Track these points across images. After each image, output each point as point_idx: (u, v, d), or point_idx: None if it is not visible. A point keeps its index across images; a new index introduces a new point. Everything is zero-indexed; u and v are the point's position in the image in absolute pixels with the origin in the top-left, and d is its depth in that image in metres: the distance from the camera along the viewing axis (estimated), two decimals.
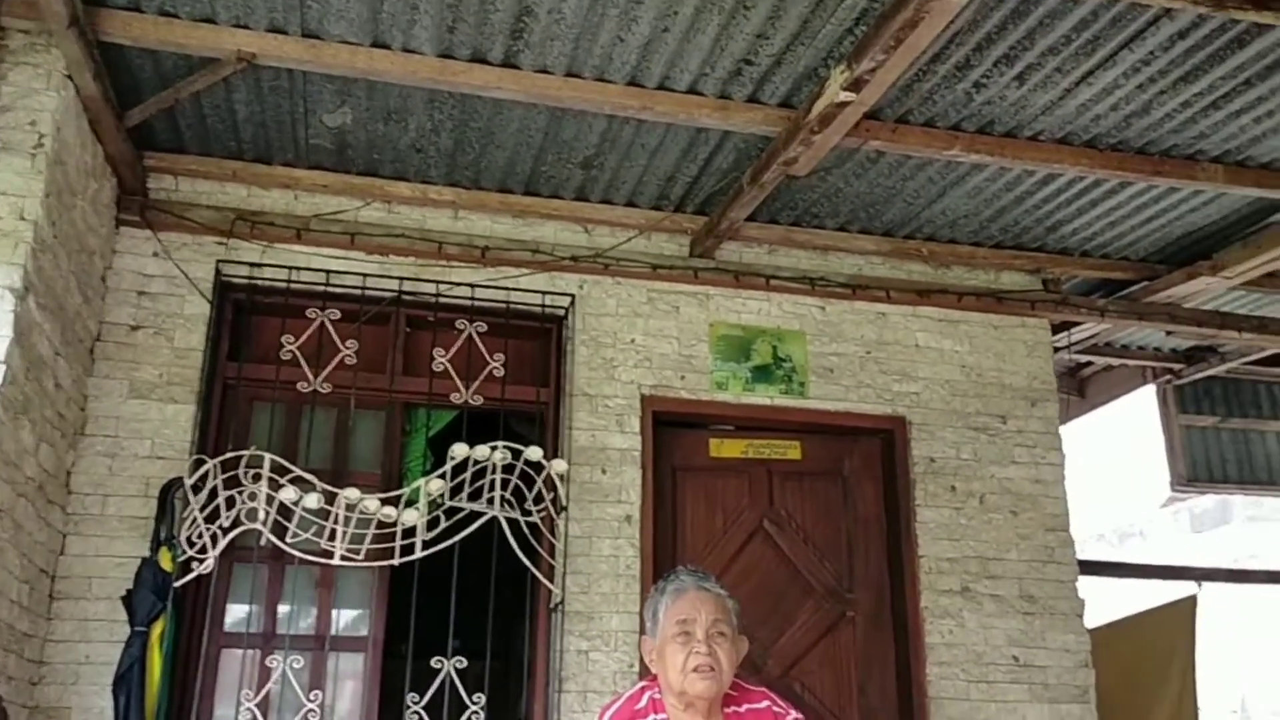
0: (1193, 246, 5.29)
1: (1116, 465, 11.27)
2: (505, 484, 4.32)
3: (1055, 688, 4.89)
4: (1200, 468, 7.25)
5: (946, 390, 5.25)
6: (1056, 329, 5.65)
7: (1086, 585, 5.16)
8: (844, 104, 3.64)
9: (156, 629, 3.99)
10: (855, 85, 3.53)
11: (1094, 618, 5.18)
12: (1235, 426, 7.37)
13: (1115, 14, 3.49)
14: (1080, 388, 7.54)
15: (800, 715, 2.51)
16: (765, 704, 2.50)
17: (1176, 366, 7.09)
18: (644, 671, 4.55)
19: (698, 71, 3.87)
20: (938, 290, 5.35)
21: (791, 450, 5.18)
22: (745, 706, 2.49)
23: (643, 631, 2.60)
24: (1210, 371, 7.03)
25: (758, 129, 4.13)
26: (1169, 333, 5.96)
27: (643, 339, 4.99)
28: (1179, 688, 6.07)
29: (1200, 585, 6.24)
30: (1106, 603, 6.18)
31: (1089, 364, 7.24)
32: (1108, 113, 4.10)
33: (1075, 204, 4.88)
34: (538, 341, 4.96)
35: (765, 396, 5.07)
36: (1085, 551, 5.31)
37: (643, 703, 2.48)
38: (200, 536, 4.04)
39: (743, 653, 2.49)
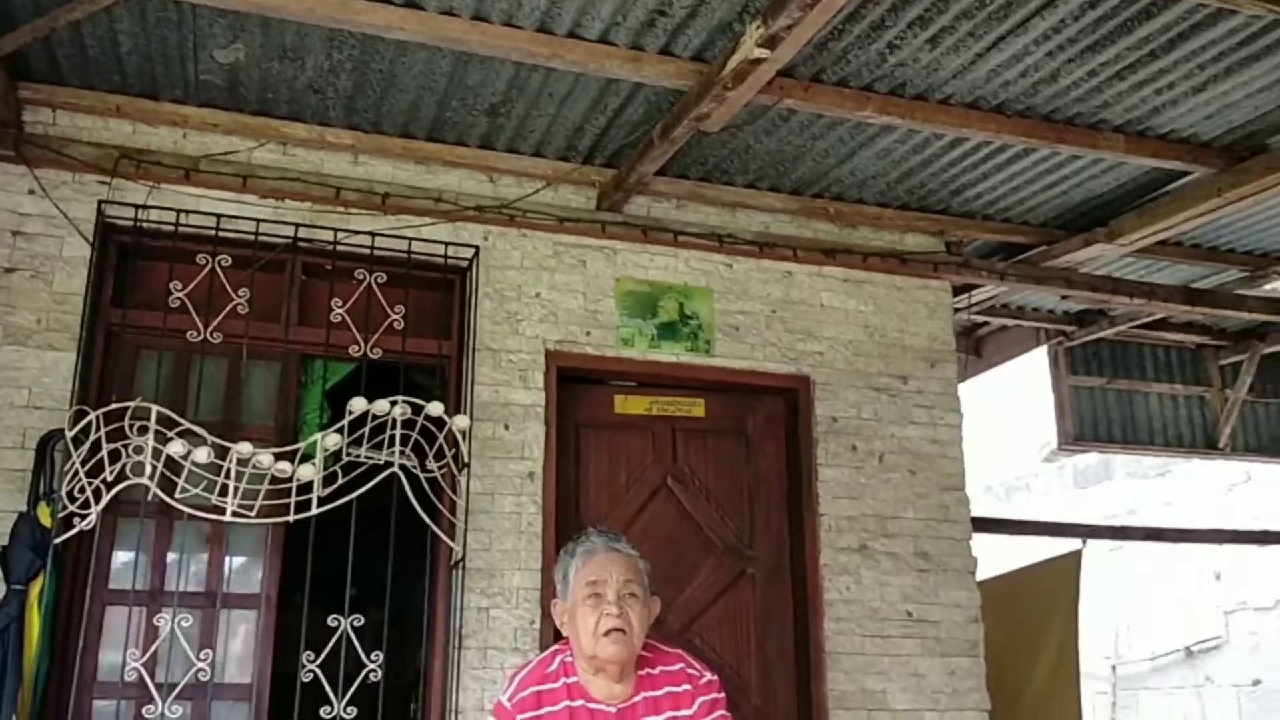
0: (1091, 213, 5.40)
1: (1005, 421, 11.62)
2: (405, 439, 4.22)
3: (947, 642, 5.02)
4: (1087, 426, 7.49)
5: (850, 350, 5.29)
6: (957, 291, 5.74)
7: (977, 540, 5.30)
8: (758, 61, 3.58)
9: (35, 587, 3.81)
10: (770, 42, 3.47)
11: (982, 570, 5.32)
12: (1121, 388, 7.62)
13: None
14: (976, 347, 7.71)
15: (716, 677, 2.49)
16: (679, 666, 2.48)
17: (1068, 329, 7.29)
18: (546, 629, 4.57)
19: (610, 20, 3.76)
20: (843, 250, 5.37)
21: (696, 408, 5.18)
22: (659, 669, 2.47)
23: (554, 595, 2.55)
24: (1100, 334, 7.25)
25: (670, 82, 4.04)
26: (1064, 296, 6.11)
27: (548, 293, 4.90)
28: (1060, 639, 6.30)
29: (1085, 542, 6.46)
30: (994, 555, 6.37)
31: (985, 324, 7.39)
32: (1016, 79, 4.12)
33: (980, 168, 4.93)
34: (440, 293, 4.83)
35: (671, 354, 5.04)
36: (975, 504, 5.43)
37: (554, 666, 2.45)
38: (82, 491, 3.85)
39: (655, 614, 2.46)
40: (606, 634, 2.34)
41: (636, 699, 2.42)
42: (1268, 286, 6.41)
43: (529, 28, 3.80)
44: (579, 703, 2.40)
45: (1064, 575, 6.41)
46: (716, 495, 5.09)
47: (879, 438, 5.22)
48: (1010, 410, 11.17)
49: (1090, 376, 7.54)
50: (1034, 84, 4.16)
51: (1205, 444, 7.77)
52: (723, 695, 2.47)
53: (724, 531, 5.05)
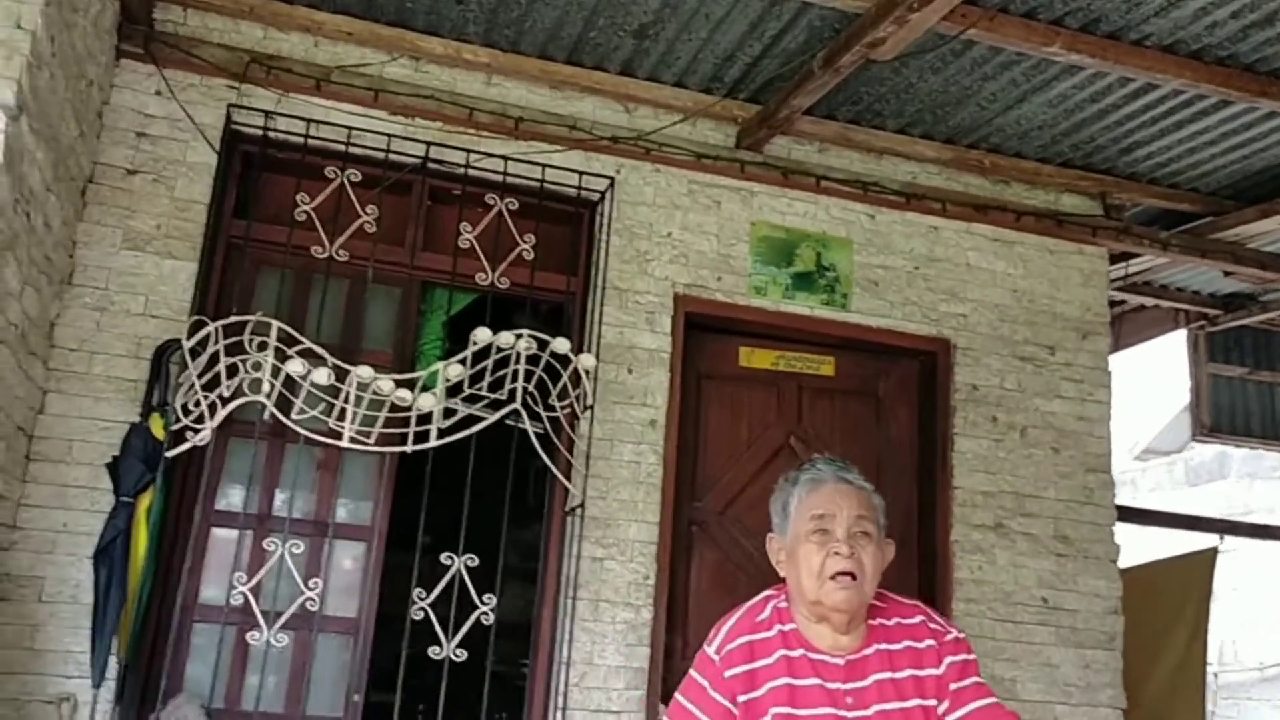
0: (1269, 183, 4.96)
1: (1121, 410, 11.08)
2: (529, 376, 3.98)
3: (1083, 632, 4.68)
4: (1224, 417, 7.03)
5: (995, 315, 4.93)
6: (1113, 259, 5.33)
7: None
8: None
9: (144, 501, 3.66)
10: None
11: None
12: (1263, 379, 7.14)
13: None
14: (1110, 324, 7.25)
15: (964, 635, 2.13)
16: (919, 619, 2.11)
17: (1211, 313, 6.82)
18: (660, 585, 4.33)
19: None
20: (996, 207, 5.00)
21: (825, 365, 4.87)
22: (895, 620, 2.11)
23: (770, 529, 2.19)
24: (1245, 320, 6.77)
25: (843, 3, 3.71)
26: (1228, 273, 5.66)
27: (680, 233, 4.62)
28: (1187, 638, 5.93)
29: (1222, 539, 6.05)
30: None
31: (1122, 302, 6.94)
32: (1226, 20, 3.72)
33: (1159, 124, 4.53)
34: (568, 227, 4.58)
35: (805, 306, 4.73)
36: None
37: (766, 613, 2.10)
38: (197, 405, 3.68)
39: (889, 558, 2.12)
40: (834, 577, 2.00)
41: (868, 651, 2.06)
42: None
43: None
44: (798, 652, 2.05)
45: (1197, 573, 6.03)
46: (843, 459, 4.78)
47: (1021, 410, 4.86)
48: (1123, 398, 10.65)
49: (1231, 365, 7.07)
50: (1244, 27, 3.75)
51: None
52: (974, 657, 2.10)
53: None
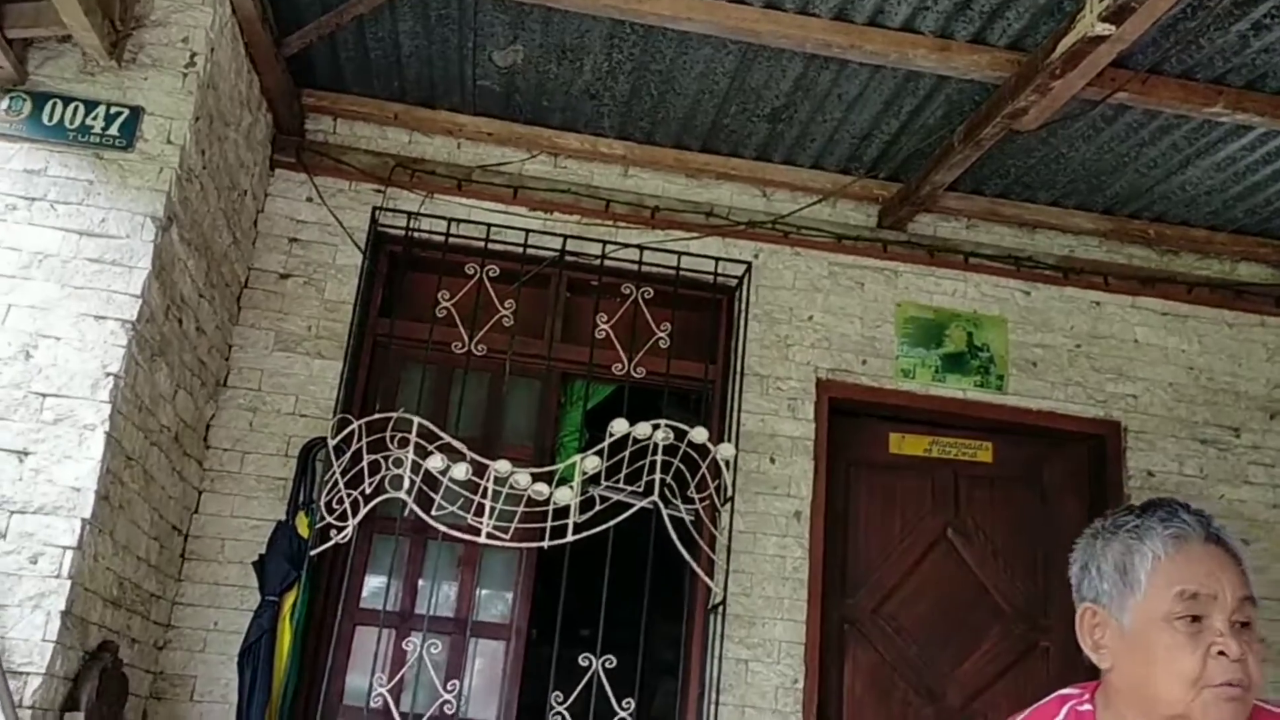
0: None
1: None
2: (666, 467, 3.89)
3: None
4: None
5: (1170, 394, 4.58)
6: None
7: None
8: (1098, 39, 3.07)
9: (289, 599, 3.71)
10: (1116, 15, 2.96)
11: None
12: None
13: None
14: None
15: None
16: None
17: None
18: (810, 690, 4.10)
19: (917, 3, 3.35)
20: (1164, 279, 4.68)
21: (982, 452, 4.60)
22: None
23: (1080, 596, 1.57)
24: None
25: (981, 74, 3.57)
26: None
27: (821, 316, 4.48)
28: None
29: None
30: None
31: None
32: None
33: None
34: (706, 314, 4.52)
35: (957, 389, 4.50)
36: None
37: (1059, 717, 1.58)
38: (340, 502, 3.73)
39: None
40: (1218, 685, 1.39)
41: None
42: None
43: (825, 15, 3.44)
44: None
45: None
46: (1005, 553, 4.49)
47: (1205, 498, 4.46)
48: None
49: None
50: None
51: None
52: None
53: (1014, 595, 4.43)
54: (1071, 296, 4.64)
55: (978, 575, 4.45)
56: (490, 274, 4.22)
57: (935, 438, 4.59)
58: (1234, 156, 4.06)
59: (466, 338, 4.14)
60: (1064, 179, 4.38)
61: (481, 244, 4.20)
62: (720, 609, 4.00)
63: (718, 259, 4.35)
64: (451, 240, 4.21)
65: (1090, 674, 1.87)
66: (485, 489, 3.77)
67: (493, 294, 4.20)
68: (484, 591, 4.15)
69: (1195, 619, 1.42)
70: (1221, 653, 1.39)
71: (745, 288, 4.39)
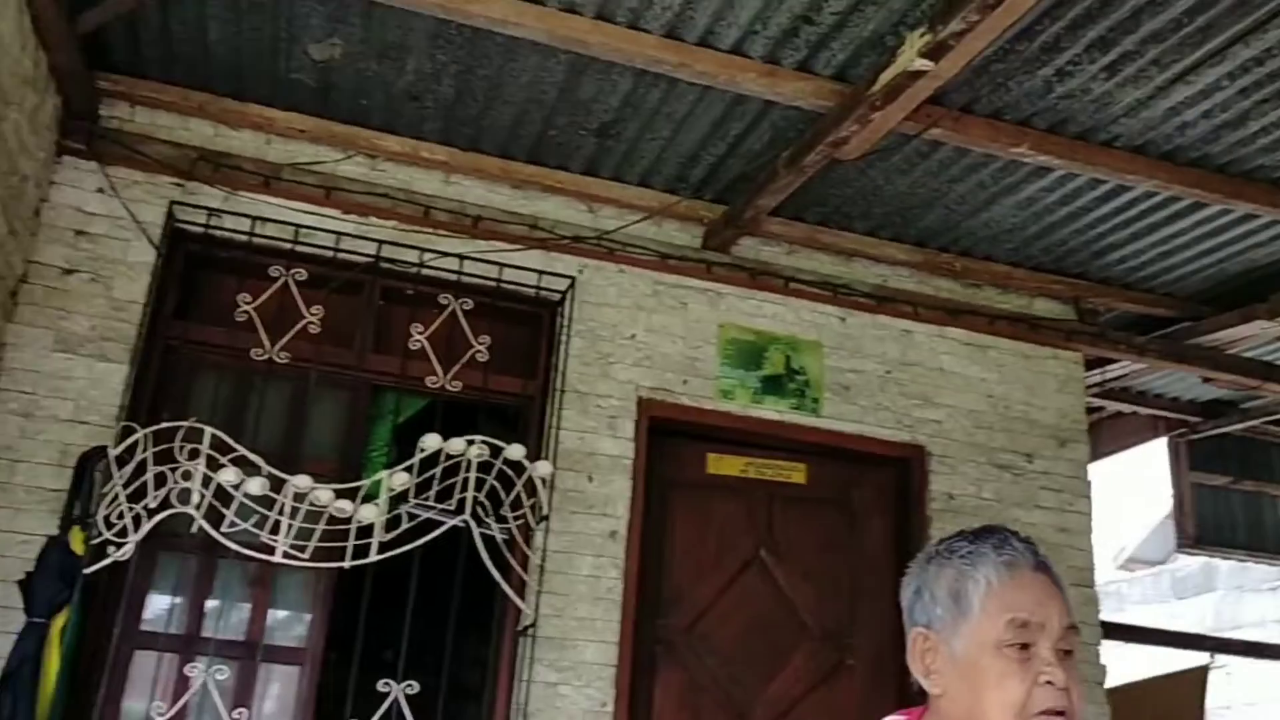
0: (1248, 287, 4.85)
1: (1105, 518, 10.86)
2: (480, 484, 3.76)
3: None
4: (1208, 529, 6.83)
5: (970, 421, 4.76)
6: (1090, 365, 5.18)
7: None
8: (917, 74, 3.15)
9: (58, 621, 3.37)
10: (935, 51, 3.04)
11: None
12: (1247, 489, 6.95)
13: None
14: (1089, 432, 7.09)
15: None
16: None
17: (1193, 420, 6.67)
18: (619, 714, 4.03)
19: (747, 27, 3.36)
20: (968, 310, 4.87)
21: (796, 473, 4.67)
22: None
23: (912, 621, 1.54)
24: (1228, 428, 6.62)
25: (806, 102, 3.62)
26: (1207, 380, 5.53)
27: (644, 335, 4.46)
28: None
29: (1213, 657, 5.79)
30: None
31: (1101, 409, 6.79)
32: (1198, 120, 3.64)
33: (1132, 227, 4.43)
34: (527, 328, 4.41)
35: (774, 410, 4.55)
36: None
37: None
38: (121, 517, 3.43)
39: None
40: (1042, 714, 1.40)
41: None
42: None
43: (657, 31, 3.41)
44: None
45: (1188, 692, 5.76)
46: (815, 573, 4.55)
47: (999, 521, 4.61)
48: (1107, 505, 10.45)
49: (1214, 474, 6.89)
50: (1217, 127, 3.68)
51: None
52: None
53: (822, 615, 4.50)
54: (884, 324, 4.77)
55: (788, 595, 4.50)
56: (297, 277, 3.99)
57: (751, 458, 4.62)
58: (1034, 196, 4.26)
59: (268, 343, 3.90)
60: (880, 210, 4.50)
61: (289, 246, 3.98)
62: (531, 631, 3.89)
63: (541, 272, 4.26)
64: (256, 240, 3.97)
65: (904, 695, 1.84)
66: (283, 505, 3.55)
67: (299, 299, 3.97)
68: (278, 614, 3.91)
69: (1024, 646, 1.43)
70: (1049, 681, 1.41)
71: (568, 303, 4.31)
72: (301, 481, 3.57)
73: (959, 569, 1.49)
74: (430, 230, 4.24)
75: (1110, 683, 4.93)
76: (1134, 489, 10.72)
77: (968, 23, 2.88)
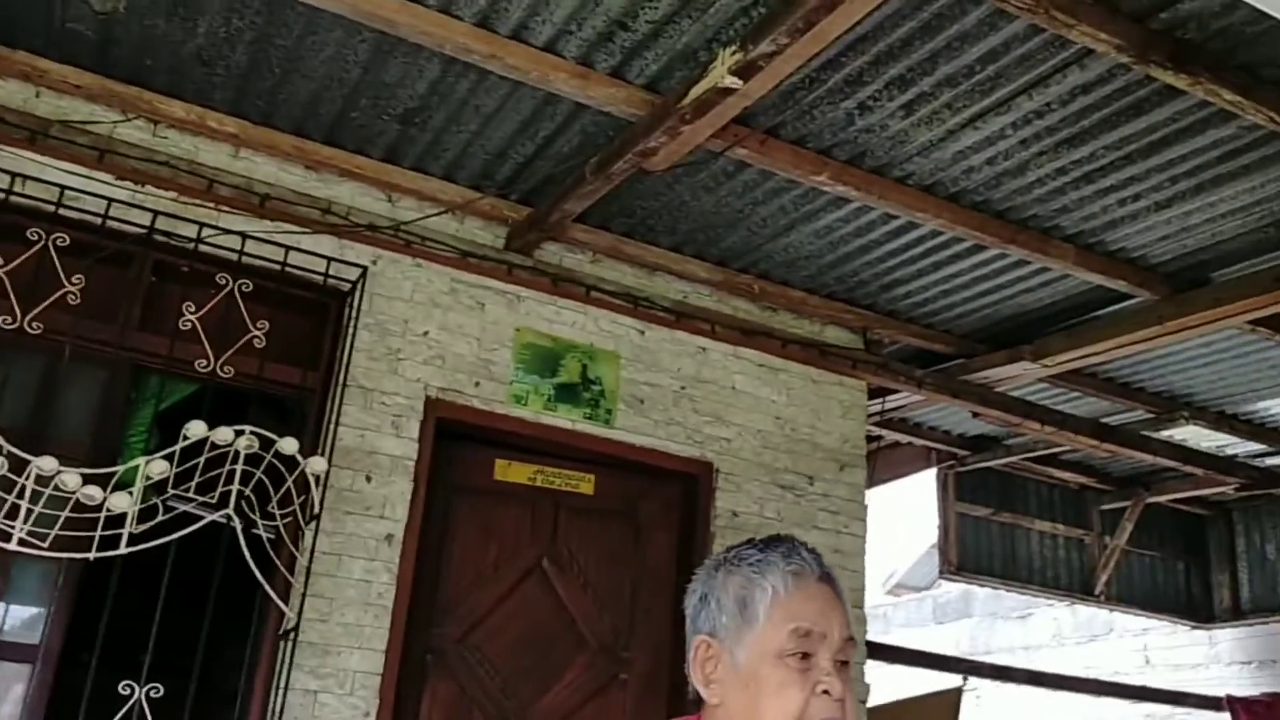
0: (1016, 330, 5.16)
1: (877, 544, 11.34)
2: (247, 478, 3.53)
3: None
4: (969, 557, 7.21)
5: (758, 441, 4.85)
6: (872, 394, 5.38)
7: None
8: (726, 91, 3.17)
9: None
10: (745, 71, 3.07)
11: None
12: (1005, 520, 7.39)
13: (1027, 50, 3.19)
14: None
15: None
16: None
17: (961, 453, 7.05)
18: None
19: (562, 25, 3.30)
20: (762, 332, 4.97)
21: (585, 484, 4.63)
22: None
23: (695, 629, 1.54)
24: (991, 462, 7.03)
25: (617, 109, 3.59)
26: (975, 415, 5.84)
27: (438, 333, 4.32)
28: None
29: (965, 678, 6.11)
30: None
31: (880, 437, 7.08)
32: (982, 165, 3.83)
33: (918, 263, 4.63)
34: (311, 317, 4.19)
35: (567, 419, 4.50)
36: None
37: None
38: None
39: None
40: None
41: None
42: (1167, 432, 6.27)
43: (468, 19, 3.30)
44: None
45: (941, 713, 6.03)
46: (596, 585, 4.52)
47: None
48: (880, 531, 10.92)
49: (977, 505, 7.29)
50: (998, 174, 3.88)
51: (1081, 589, 7.57)
52: None
53: (600, 628, 4.47)
54: (681, 340, 4.80)
55: (567, 606, 4.45)
56: (58, 243, 3.65)
57: (541, 467, 4.56)
58: (832, 225, 4.38)
59: (19, 312, 3.55)
60: (685, 226, 4.53)
61: (51, 208, 3.65)
62: (292, 635, 3.68)
63: (330, 259, 4.07)
64: (13, 200, 3.62)
65: (676, 709, 1.76)
66: (23, 487, 3.23)
67: (59, 266, 3.64)
68: (11, 607, 3.55)
69: (805, 656, 1.44)
70: (826, 691, 1.43)
71: (358, 294, 4.13)
72: (46, 463, 3.27)
73: (747, 576, 1.50)
74: (212, 205, 3.98)
75: (872, 701, 5.13)
76: (904, 517, 11.29)
77: (778, 45, 2.92)
